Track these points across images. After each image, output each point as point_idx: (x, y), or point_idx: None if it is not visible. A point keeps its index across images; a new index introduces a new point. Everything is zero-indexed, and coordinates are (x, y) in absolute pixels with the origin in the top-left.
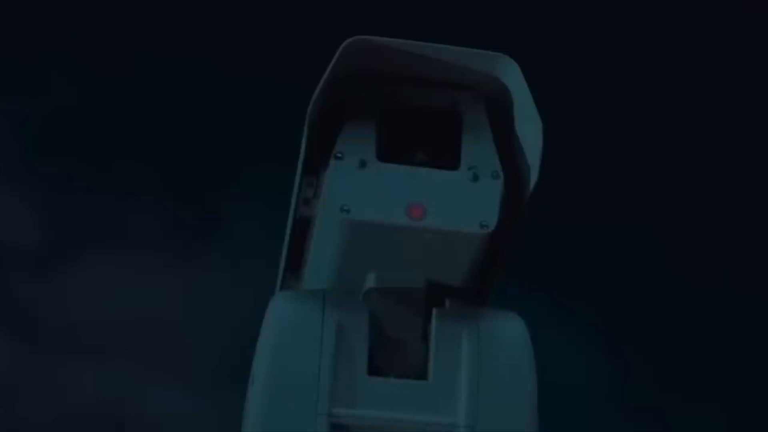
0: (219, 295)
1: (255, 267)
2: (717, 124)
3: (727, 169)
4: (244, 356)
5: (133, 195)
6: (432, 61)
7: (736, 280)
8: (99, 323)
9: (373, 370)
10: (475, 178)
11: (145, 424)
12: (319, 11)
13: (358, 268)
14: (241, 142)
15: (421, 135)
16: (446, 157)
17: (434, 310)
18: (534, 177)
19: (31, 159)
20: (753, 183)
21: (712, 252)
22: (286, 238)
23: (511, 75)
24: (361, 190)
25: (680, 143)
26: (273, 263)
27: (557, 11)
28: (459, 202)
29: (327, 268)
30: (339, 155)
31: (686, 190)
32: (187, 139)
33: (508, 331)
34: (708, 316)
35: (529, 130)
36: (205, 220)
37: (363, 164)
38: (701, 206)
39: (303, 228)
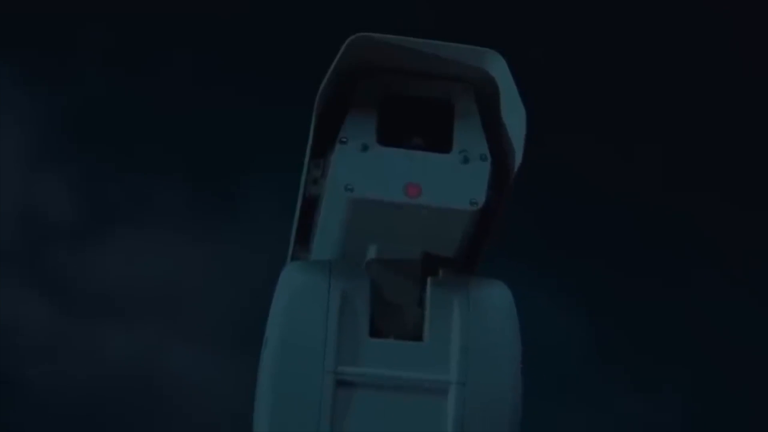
0: (236, 265)
1: (268, 240)
2: (683, 115)
3: (692, 155)
4: (259, 320)
5: (158, 176)
6: (427, 55)
7: (701, 254)
8: (128, 290)
9: (374, 332)
10: (466, 160)
11: (169, 381)
12: (324, 13)
13: (361, 240)
14: (256, 129)
15: (418, 122)
16: (440, 142)
17: (429, 279)
18: (518, 160)
19: (68, 143)
20: (716, 167)
21: (679, 229)
22: (296, 214)
23: (498, 68)
24: (363, 171)
25: (650, 131)
26: (284, 237)
27: (540, 13)
28: (451, 181)
29: (332, 241)
30: (343, 140)
31: (656, 173)
32: (207, 126)
33: (495, 298)
34: (674, 285)
35: (514, 117)
36: (223, 199)
37: (365, 148)
38: (669, 187)
39: (311, 205)
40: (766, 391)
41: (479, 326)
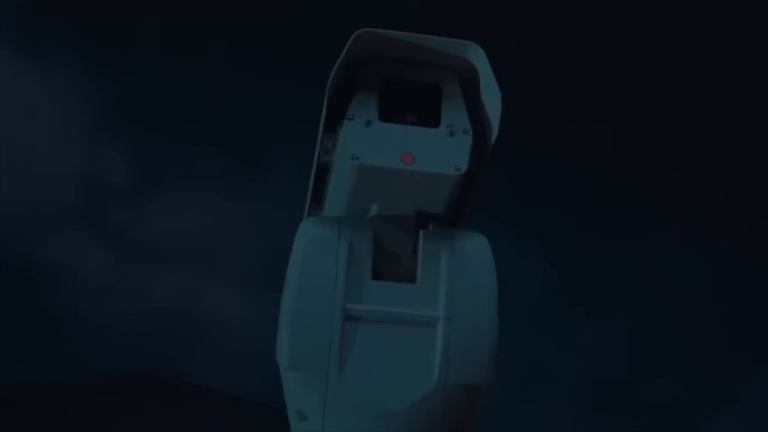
0: (262, 220)
1: (289, 200)
2: (633, 96)
3: (640, 130)
4: (281, 265)
5: (199, 146)
6: (420, 47)
7: (649, 212)
8: (173, 241)
9: (376, 275)
10: (451, 134)
11: (207, 316)
12: (333, 12)
13: (364, 200)
14: (280, 107)
15: (412, 102)
16: (430, 119)
17: (421, 232)
18: (495, 133)
19: (124, 120)
20: (662, 141)
21: (629, 191)
22: (311, 178)
23: (478, 58)
24: (367, 143)
25: (605, 109)
26: (302, 197)
27: (513, 11)
28: (439, 151)
29: (341, 201)
30: (351, 117)
31: (610, 144)
32: (240, 104)
33: (476, 247)
34: (625, 238)
35: (492, 98)
36: (252, 165)
37: (368, 123)
38: (621, 157)
39: (324, 171)
40: (698, 323)
41: (462, 271)
